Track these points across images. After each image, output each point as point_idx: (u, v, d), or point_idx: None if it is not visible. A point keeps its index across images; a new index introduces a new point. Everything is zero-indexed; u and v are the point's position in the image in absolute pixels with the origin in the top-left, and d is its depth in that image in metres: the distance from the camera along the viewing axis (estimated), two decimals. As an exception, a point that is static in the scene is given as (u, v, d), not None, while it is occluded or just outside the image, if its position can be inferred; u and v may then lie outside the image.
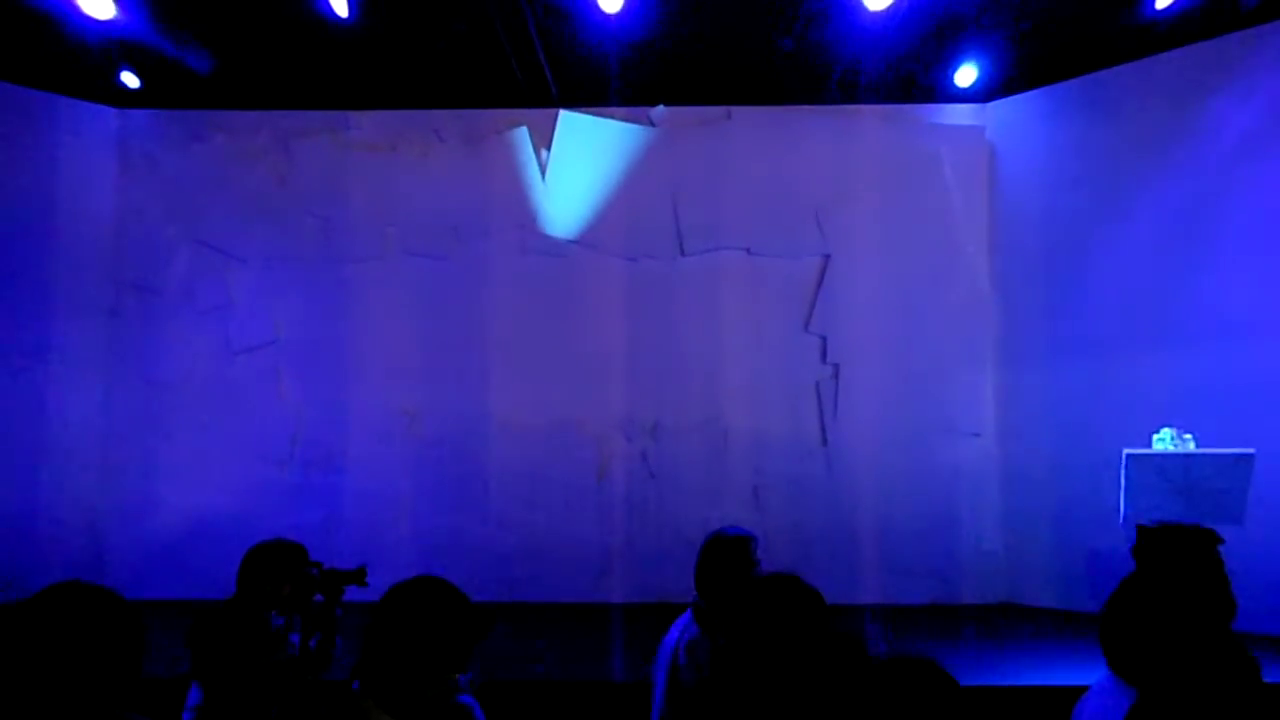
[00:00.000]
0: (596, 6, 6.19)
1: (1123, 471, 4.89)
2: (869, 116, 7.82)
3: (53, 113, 7.70)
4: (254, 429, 7.75)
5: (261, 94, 7.79)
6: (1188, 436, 4.99)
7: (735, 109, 7.90)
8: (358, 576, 2.84)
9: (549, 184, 7.92)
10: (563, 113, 7.94)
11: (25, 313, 7.47)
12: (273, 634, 2.80)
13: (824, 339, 7.72)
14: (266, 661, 2.73)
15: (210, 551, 7.13)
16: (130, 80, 7.47)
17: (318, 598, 2.84)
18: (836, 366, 7.70)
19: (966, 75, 7.34)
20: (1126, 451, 4.93)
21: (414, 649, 1.76)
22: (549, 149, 7.98)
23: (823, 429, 7.67)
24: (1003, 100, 7.72)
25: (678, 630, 2.68)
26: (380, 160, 7.96)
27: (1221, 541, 2.85)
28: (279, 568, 2.89)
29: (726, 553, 2.70)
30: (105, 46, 6.93)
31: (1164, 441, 5.02)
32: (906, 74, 7.37)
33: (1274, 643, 5.56)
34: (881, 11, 6.17)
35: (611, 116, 7.96)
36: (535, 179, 7.94)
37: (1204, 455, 4.85)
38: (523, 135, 7.99)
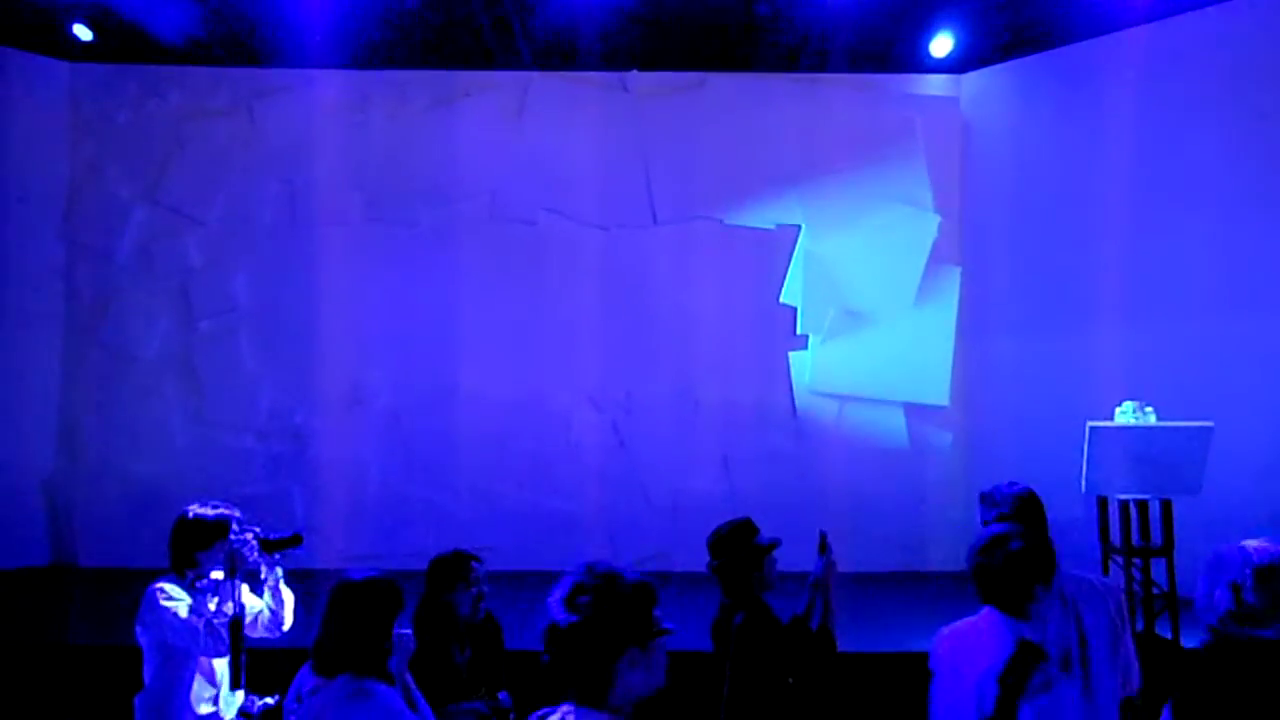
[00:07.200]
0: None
1: (1086, 443, 4.96)
2: (844, 86, 7.77)
3: (0, 66, 7.37)
4: (214, 397, 7.59)
5: (222, 51, 7.51)
6: (1149, 409, 5.07)
7: (710, 76, 7.79)
8: (294, 541, 2.86)
9: (520, 149, 7.78)
10: (535, 76, 7.79)
11: (-25, 275, 7.22)
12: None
13: (795, 309, 7.72)
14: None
15: (167, 521, 7.01)
16: (83, 33, 7.16)
17: (255, 564, 2.83)
18: (807, 337, 7.72)
19: (942, 46, 7.30)
20: (1090, 424, 5.00)
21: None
22: (521, 113, 7.83)
23: (793, 399, 7.70)
24: (977, 72, 7.70)
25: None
26: (347, 122, 7.75)
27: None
28: (209, 538, 2.89)
29: None
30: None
31: (1126, 414, 5.09)
32: (882, 44, 7.31)
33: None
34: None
35: (585, 82, 7.82)
36: (507, 144, 7.79)
37: (1164, 429, 4.93)
38: (494, 99, 7.83)
